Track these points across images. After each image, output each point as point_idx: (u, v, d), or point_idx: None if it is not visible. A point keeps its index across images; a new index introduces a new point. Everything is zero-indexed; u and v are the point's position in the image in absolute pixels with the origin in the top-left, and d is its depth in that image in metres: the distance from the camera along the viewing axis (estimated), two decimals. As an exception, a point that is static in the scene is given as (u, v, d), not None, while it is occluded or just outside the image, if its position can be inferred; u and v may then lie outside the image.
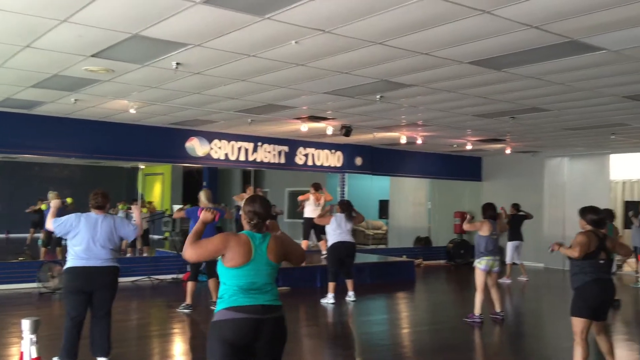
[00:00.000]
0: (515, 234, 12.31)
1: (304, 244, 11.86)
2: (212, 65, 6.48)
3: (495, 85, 7.23)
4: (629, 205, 14.75)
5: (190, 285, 8.23)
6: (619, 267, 14.17)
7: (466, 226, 8.13)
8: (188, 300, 8.20)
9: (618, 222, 15.59)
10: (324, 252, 11.58)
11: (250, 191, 12.60)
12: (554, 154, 15.23)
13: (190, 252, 3.40)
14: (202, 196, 8.40)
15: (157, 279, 11.06)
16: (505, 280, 12.14)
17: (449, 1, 4.30)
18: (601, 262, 5.08)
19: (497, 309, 8.10)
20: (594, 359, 5.67)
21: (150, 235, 14.24)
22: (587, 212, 5.22)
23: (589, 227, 5.16)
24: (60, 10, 4.73)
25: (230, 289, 3.34)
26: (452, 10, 4.49)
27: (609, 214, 8.60)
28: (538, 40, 5.28)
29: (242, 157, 12.41)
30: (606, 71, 6.42)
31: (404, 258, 13.50)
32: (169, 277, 11.30)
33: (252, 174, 15.84)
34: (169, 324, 7.80)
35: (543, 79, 6.87)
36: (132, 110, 9.09)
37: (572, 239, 5.16)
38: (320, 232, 11.39)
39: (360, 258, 12.67)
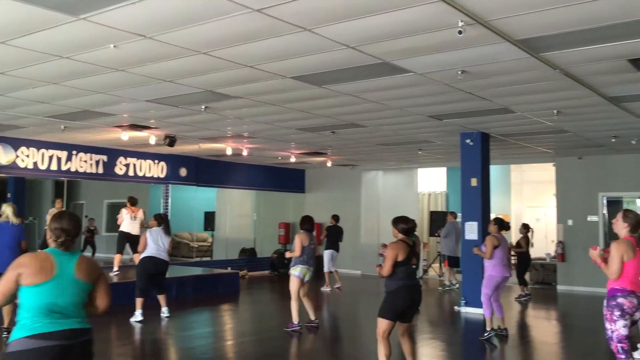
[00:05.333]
0: (332, 244, 12.89)
1: (117, 258, 11.27)
2: (19, 66, 5.92)
3: (317, 100, 7.54)
4: (433, 215, 16.23)
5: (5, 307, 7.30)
6: (425, 271, 15.52)
7: (290, 254, 8.37)
8: (5, 324, 7.28)
9: (424, 230, 17.11)
10: None
11: (59, 205, 11.69)
12: (370, 167, 16.28)
13: None
14: (8, 211, 7.57)
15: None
16: (326, 289, 12.65)
17: (271, 16, 4.41)
18: (413, 267, 5.52)
19: (312, 317, 8.41)
20: (398, 358, 6.10)
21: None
22: (398, 221, 5.65)
23: (401, 236, 5.58)
24: None
25: (29, 313, 2.99)
26: (275, 25, 4.60)
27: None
28: (354, 60, 5.62)
29: (53, 167, 11.49)
30: (414, 92, 7.02)
31: (229, 270, 13.45)
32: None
33: (65, 184, 14.68)
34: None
35: (359, 97, 7.32)
36: None
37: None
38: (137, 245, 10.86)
39: (184, 271, 12.40)
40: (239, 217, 17.72)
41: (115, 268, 11.16)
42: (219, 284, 12.16)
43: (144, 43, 5.09)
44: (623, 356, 4.75)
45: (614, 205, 12.74)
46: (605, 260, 4.94)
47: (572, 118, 8.54)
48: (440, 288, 13.23)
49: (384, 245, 5.72)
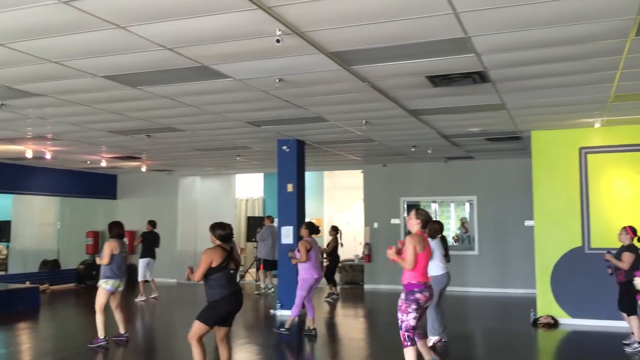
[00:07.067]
0: (149, 251, 12.41)
1: None
2: None
3: (131, 102, 7.21)
4: (250, 220, 16.40)
5: None
6: (242, 277, 15.61)
7: (100, 260, 7.89)
8: None
9: (241, 235, 17.21)
10: None
11: None
12: (188, 172, 15.98)
13: None
14: None
15: None
16: (141, 299, 12.13)
17: (81, 10, 4.11)
18: (232, 272, 5.52)
19: (122, 330, 8.01)
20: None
21: None
22: (216, 228, 5.62)
23: (218, 242, 5.56)
24: None
25: None
26: (85, 20, 4.30)
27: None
28: (172, 62, 5.47)
29: None
30: (232, 98, 7.04)
31: (28, 284, 12.24)
32: None
33: None
34: None
35: (177, 100, 7.14)
36: None
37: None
38: None
39: (-27, 288, 11.04)
40: (39, 226, 16.19)
41: None
42: (16, 300, 11.02)
43: None
44: (409, 343, 5.37)
45: (413, 208, 14.00)
46: (399, 252, 5.54)
47: (378, 128, 9.22)
48: (256, 292, 13.40)
49: (191, 267, 5.66)
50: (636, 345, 7.24)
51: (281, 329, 8.15)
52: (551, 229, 9.41)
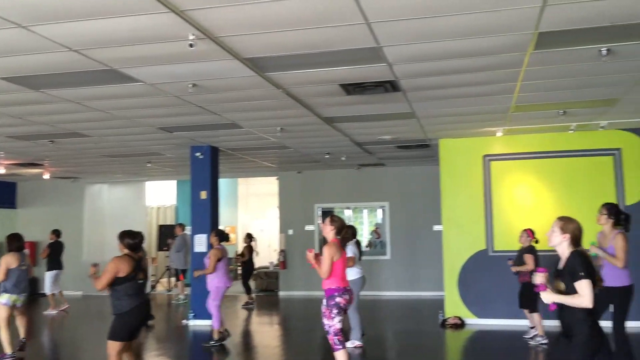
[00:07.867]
0: (56, 263, 11.84)
1: None
2: None
3: (33, 105, 6.84)
4: (162, 229, 15.98)
5: None
6: (153, 287, 15.17)
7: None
8: None
9: (152, 244, 16.73)
10: None
11: None
12: (95, 180, 15.34)
13: None
14: None
15: None
16: (51, 312, 11.54)
17: (-22, 6, 3.87)
18: (140, 282, 5.37)
19: (22, 335, 7.59)
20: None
21: None
22: (124, 236, 5.47)
23: (126, 250, 5.39)
24: None
25: None
26: (-18, 17, 4.05)
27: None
28: (78, 65, 5.24)
29: None
30: (143, 102, 6.83)
31: None
32: None
33: None
34: None
35: (83, 104, 6.84)
36: None
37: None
38: None
39: None
40: None
41: None
42: None
43: None
44: (340, 346, 5.48)
45: (328, 215, 14.16)
46: (317, 256, 5.67)
47: (293, 135, 9.27)
48: (174, 301, 13.08)
49: (95, 265, 5.47)
50: (539, 338, 7.74)
51: (211, 342, 7.96)
52: (457, 233, 9.81)
